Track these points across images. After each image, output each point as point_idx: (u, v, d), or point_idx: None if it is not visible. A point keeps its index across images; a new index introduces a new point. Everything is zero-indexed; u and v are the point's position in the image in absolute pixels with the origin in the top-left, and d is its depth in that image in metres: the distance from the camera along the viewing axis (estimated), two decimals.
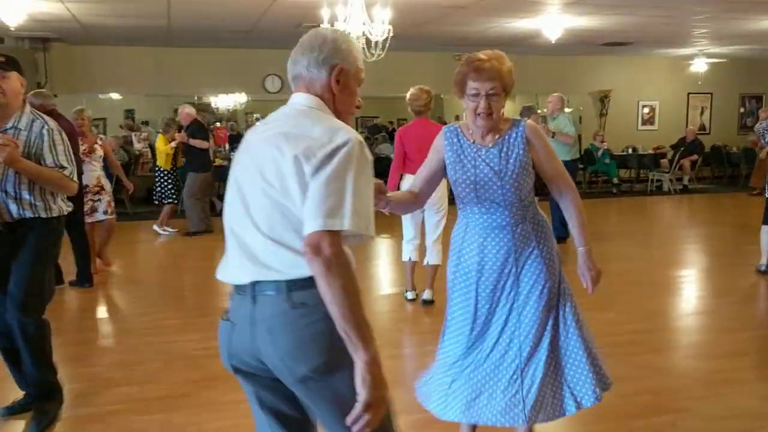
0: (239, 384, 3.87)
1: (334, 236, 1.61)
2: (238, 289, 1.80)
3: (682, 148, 13.73)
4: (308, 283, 1.66)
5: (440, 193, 5.06)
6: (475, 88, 2.52)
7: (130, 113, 17.31)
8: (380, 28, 6.74)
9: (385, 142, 13.80)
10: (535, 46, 11.29)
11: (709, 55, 13.58)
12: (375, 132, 15.49)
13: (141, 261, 8.10)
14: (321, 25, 6.84)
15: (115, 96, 14.60)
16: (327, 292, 1.61)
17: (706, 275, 6.91)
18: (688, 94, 15.33)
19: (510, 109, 17.82)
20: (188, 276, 7.09)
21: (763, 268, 6.24)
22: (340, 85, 1.84)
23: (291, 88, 1.90)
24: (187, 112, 9.10)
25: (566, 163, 8.03)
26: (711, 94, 15.24)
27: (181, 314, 5.40)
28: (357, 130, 14.91)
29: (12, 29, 8.49)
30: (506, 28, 10.03)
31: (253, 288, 1.74)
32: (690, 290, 6.39)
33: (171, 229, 9.14)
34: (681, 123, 15.14)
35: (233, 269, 1.81)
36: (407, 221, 5.58)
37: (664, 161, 14.05)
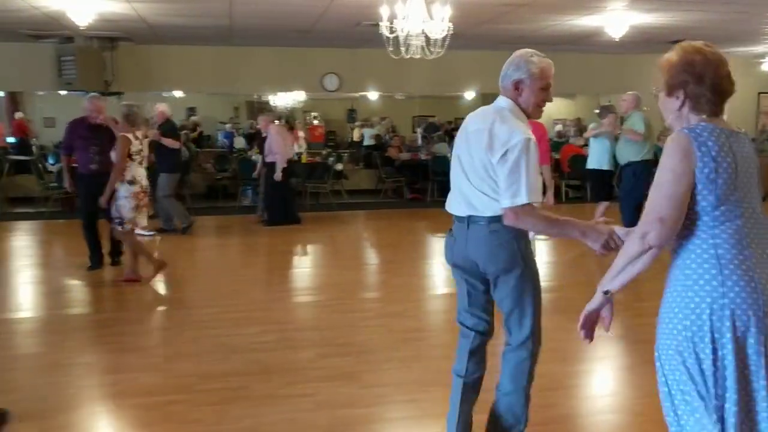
0: (295, 379, 3.93)
1: (517, 209, 2.60)
2: (458, 218, 2.85)
3: None
4: (498, 218, 2.69)
5: None
6: None
7: (192, 111, 17.72)
8: (439, 26, 6.70)
9: (442, 141, 13.69)
10: (598, 44, 11.03)
11: None
12: (431, 131, 15.38)
13: (199, 257, 8.26)
14: (380, 24, 6.85)
15: (177, 94, 14.95)
16: (525, 228, 2.75)
17: None
18: (759, 93, 14.74)
19: (571, 109, 17.43)
20: (244, 271, 7.19)
21: None
22: (519, 91, 2.77)
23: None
24: (161, 110, 8.69)
25: (636, 164, 7.70)
26: None
27: (239, 308, 5.47)
28: (413, 128, 14.67)
29: (82, 28, 8.78)
30: (568, 26, 9.83)
31: (468, 219, 2.80)
32: None
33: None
34: (751, 124, 14.56)
35: (456, 207, 2.86)
36: None
37: None
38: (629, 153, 7.36)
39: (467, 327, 2.97)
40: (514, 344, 2.90)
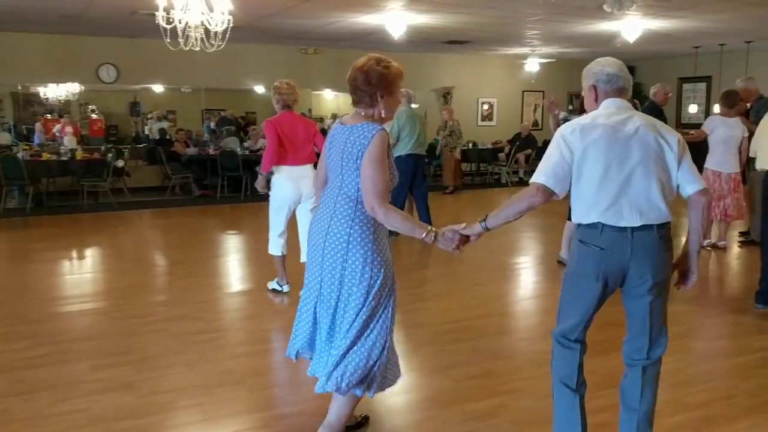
0: (65, 395, 3.63)
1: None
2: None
3: (517, 143, 14.56)
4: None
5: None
6: None
7: None
8: (219, 18, 6.53)
9: (231, 135, 13.39)
10: (382, 43, 11.47)
11: (541, 56, 14.49)
12: (223, 125, 14.99)
13: None
14: (156, 14, 6.53)
15: None
16: None
17: (541, 261, 7.34)
18: (523, 91, 16.28)
19: (346, 103, 18.02)
20: (6, 281, 6.50)
21: (560, 258, 6.62)
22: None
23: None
24: None
25: (400, 159, 8.13)
26: (543, 92, 16.27)
27: (1, 322, 4.93)
28: (203, 123, 14.05)
29: None
30: (351, 24, 10.10)
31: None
32: (527, 276, 6.77)
33: None
34: (517, 119, 16.05)
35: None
36: (279, 216, 5.52)
37: (502, 155, 14.84)
38: (397, 148, 7.87)
39: (581, 341, 2.84)
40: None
